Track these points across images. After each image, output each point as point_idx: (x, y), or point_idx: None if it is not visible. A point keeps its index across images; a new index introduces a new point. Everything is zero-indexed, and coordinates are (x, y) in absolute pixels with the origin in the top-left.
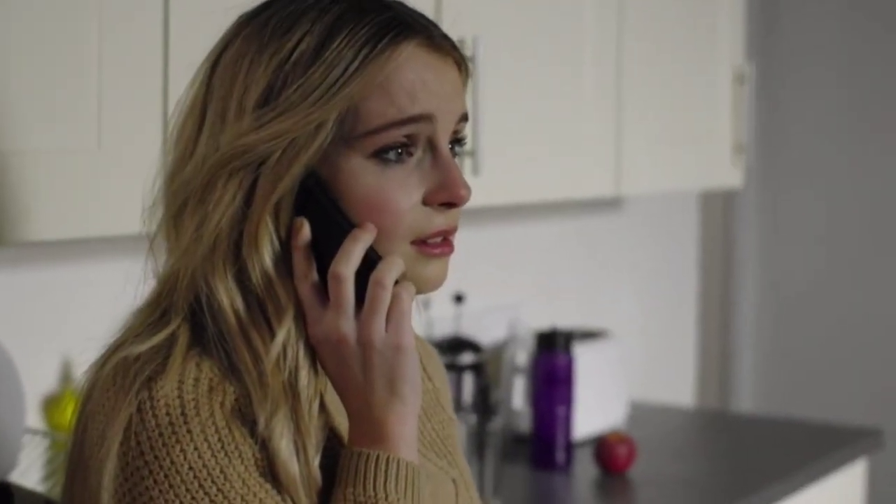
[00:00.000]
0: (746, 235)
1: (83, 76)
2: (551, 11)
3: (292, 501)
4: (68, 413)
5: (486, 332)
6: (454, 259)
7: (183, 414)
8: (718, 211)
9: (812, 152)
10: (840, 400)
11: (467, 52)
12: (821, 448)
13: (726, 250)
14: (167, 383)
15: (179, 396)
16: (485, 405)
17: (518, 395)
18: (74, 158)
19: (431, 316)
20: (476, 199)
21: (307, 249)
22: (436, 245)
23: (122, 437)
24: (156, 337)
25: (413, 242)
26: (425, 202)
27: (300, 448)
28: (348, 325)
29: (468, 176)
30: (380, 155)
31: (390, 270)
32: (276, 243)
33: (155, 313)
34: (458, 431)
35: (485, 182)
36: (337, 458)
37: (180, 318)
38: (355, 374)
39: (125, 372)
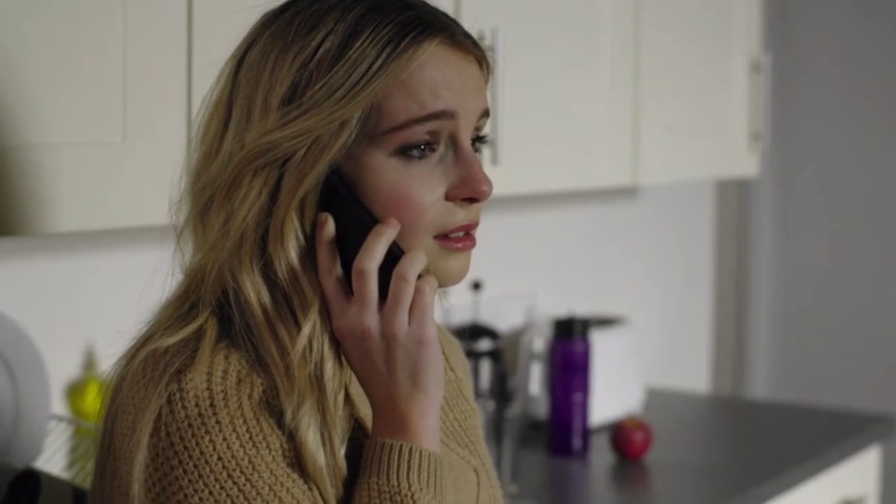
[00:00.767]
0: (761, 224)
1: (108, 70)
2: (569, 3)
3: (319, 491)
4: (91, 400)
5: (504, 320)
6: None
7: (212, 405)
8: (733, 199)
9: (827, 142)
10: (854, 387)
11: (486, 44)
12: (835, 435)
13: (741, 238)
14: (196, 375)
15: (208, 388)
16: (502, 392)
17: (535, 382)
18: (99, 151)
19: (449, 303)
20: (495, 189)
21: (331, 244)
22: (458, 239)
23: (152, 427)
24: (184, 330)
25: (436, 237)
26: (447, 197)
27: (326, 439)
28: (372, 319)
29: (487, 165)
30: (403, 151)
31: (413, 265)
32: (301, 238)
33: (183, 307)
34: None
35: (503, 172)
36: (362, 449)
37: (208, 311)
38: (379, 367)
39: (155, 364)
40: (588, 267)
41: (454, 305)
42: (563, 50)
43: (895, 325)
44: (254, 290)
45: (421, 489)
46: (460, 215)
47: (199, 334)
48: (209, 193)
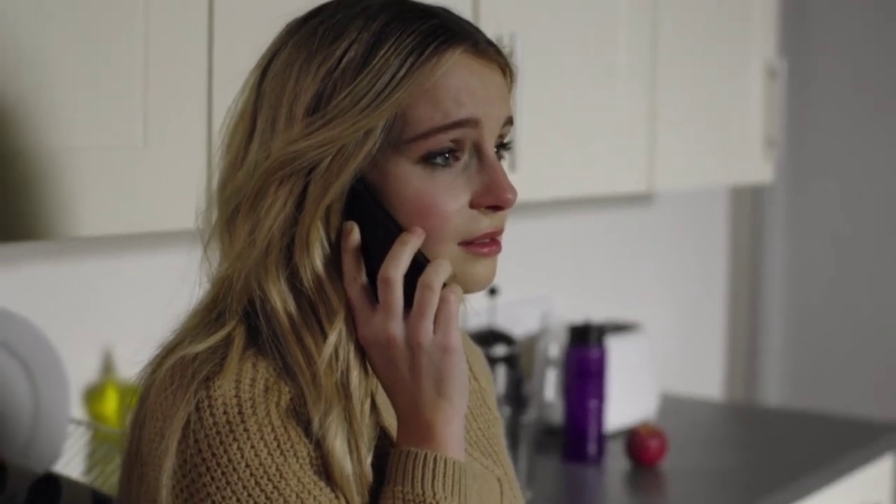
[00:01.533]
0: (775, 230)
1: (129, 75)
2: (586, 8)
3: (345, 499)
4: (109, 404)
5: (520, 325)
6: None
7: (240, 413)
8: (748, 205)
9: (842, 148)
10: (868, 394)
11: (504, 49)
12: (849, 442)
13: (755, 244)
14: (224, 383)
15: (237, 396)
16: (518, 397)
17: (550, 388)
18: (120, 155)
19: (465, 308)
20: None
21: (356, 252)
22: (483, 244)
23: (180, 434)
24: (212, 338)
25: (460, 244)
26: (472, 205)
27: (353, 447)
28: (397, 327)
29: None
30: (427, 160)
31: (438, 273)
32: (327, 247)
33: (210, 315)
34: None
35: (521, 177)
36: (387, 457)
37: (235, 320)
38: (404, 375)
39: (183, 371)
40: (604, 272)
41: (470, 310)
42: (580, 56)
43: None
44: (280, 298)
45: (445, 498)
46: (485, 223)
47: (227, 342)
48: (235, 203)
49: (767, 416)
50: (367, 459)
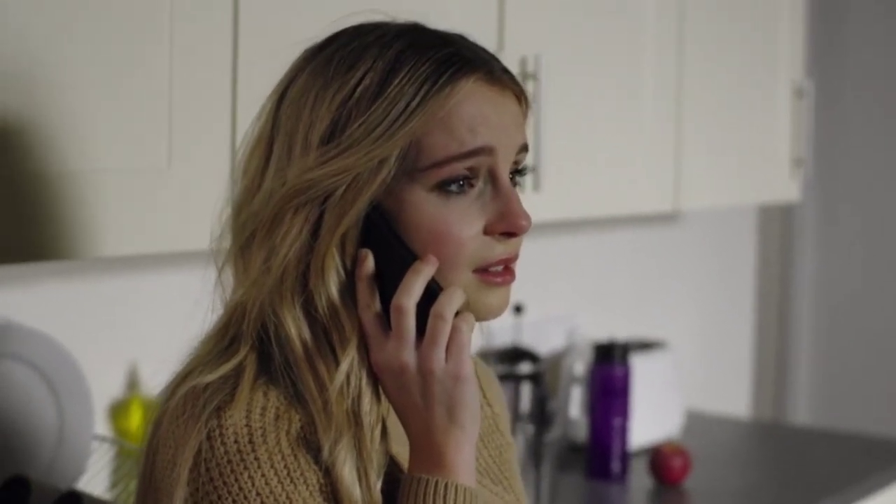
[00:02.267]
0: (804, 248)
1: (154, 96)
2: (611, 29)
3: None
4: (134, 419)
5: (545, 342)
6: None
7: (251, 442)
8: (776, 224)
9: (870, 167)
10: None
11: (529, 70)
12: (877, 462)
13: (784, 262)
14: (236, 412)
15: (247, 425)
16: (542, 415)
17: (575, 405)
18: (145, 177)
19: (490, 326)
20: (537, 215)
21: (371, 280)
22: (497, 273)
23: (192, 463)
24: (224, 367)
25: (475, 271)
26: (486, 232)
27: (362, 474)
28: (409, 355)
29: (529, 191)
30: (442, 187)
31: (450, 303)
32: (342, 274)
33: (222, 342)
34: (517, 446)
35: (546, 197)
36: (396, 484)
37: (248, 347)
38: (416, 402)
39: (195, 401)
40: (630, 290)
41: (496, 328)
42: (605, 75)
43: None
44: (295, 325)
45: None
46: (499, 249)
47: (238, 371)
48: (250, 229)
49: (793, 434)
50: (377, 486)
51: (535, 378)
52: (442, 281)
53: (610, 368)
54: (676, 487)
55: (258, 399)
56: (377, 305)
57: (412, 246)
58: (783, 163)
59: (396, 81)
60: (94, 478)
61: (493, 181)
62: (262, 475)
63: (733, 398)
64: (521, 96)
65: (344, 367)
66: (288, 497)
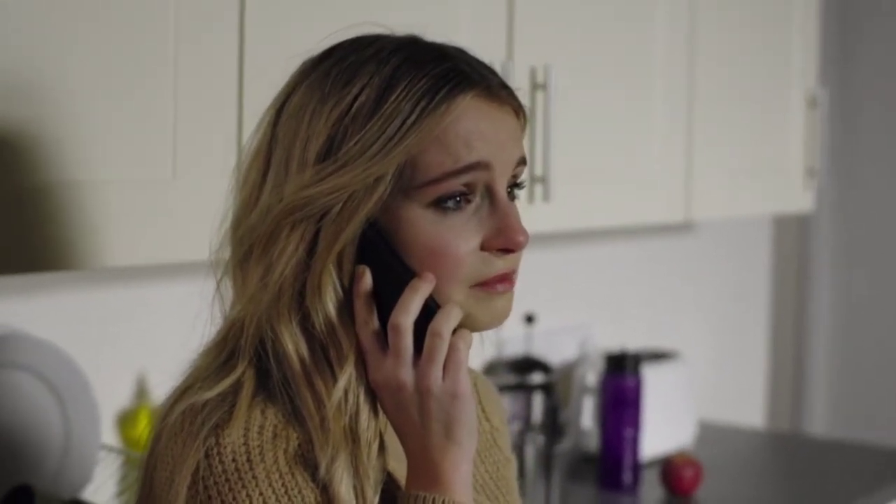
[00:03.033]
0: (820, 258)
1: (159, 108)
2: (622, 38)
3: None
4: (142, 429)
5: (557, 352)
6: (526, 279)
7: (248, 460)
8: (792, 234)
9: (885, 175)
10: None
11: (539, 80)
12: (894, 473)
13: (799, 272)
14: (233, 431)
15: (245, 444)
16: (553, 426)
17: (587, 415)
18: (150, 187)
19: (502, 336)
20: (546, 225)
21: (368, 297)
22: (496, 281)
23: (189, 481)
24: (222, 383)
25: (473, 286)
26: (483, 248)
27: (359, 492)
28: (407, 373)
29: (539, 202)
30: (438, 204)
31: (448, 321)
32: (340, 291)
33: (221, 356)
34: (528, 456)
35: (555, 208)
36: (393, 501)
37: (246, 362)
38: (413, 419)
39: (193, 418)
40: (643, 301)
41: (507, 338)
42: (616, 84)
43: None
44: (292, 341)
45: None
46: (497, 265)
47: (236, 388)
48: (248, 243)
49: (808, 445)
50: (373, 503)
51: (546, 388)
52: (440, 297)
53: (622, 379)
54: (688, 498)
55: (256, 417)
56: (375, 322)
57: (409, 263)
58: (797, 173)
59: (393, 98)
60: (101, 487)
61: (490, 197)
62: (260, 493)
63: (748, 409)
64: (519, 111)
65: (341, 383)
66: None
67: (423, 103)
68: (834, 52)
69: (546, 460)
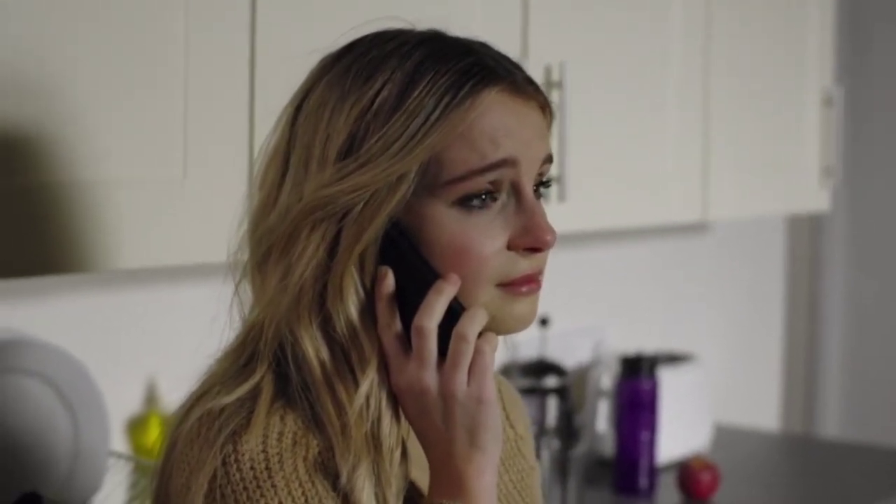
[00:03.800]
0: (834, 259)
1: (170, 107)
2: (638, 36)
3: None
4: (152, 435)
5: (571, 355)
6: None
7: (267, 468)
8: (805, 234)
9: None
10: None
11: (554, 78)
12: None
13: (813, 273)
14: (252, 438)
15: (264, 451)
16: (568, 430)
17: (602, 419)
18: (160, 187)
19: (515, 339)
20: (562, 226)
21: (391, 299)
22: (522, 282)
23: (206, 489)
24: (240, 388)
25: (498, 285)
26: (510, 247)
27: (381, 500)
28: (431, 377)
29: (553, 202)
30: (464, 202)
31: (473, 324)
32: (362, 293)
33: (239, 361)
34: (543, 461)
35: (570, 208)
36: None
37: (265, 367)
38: (437, 425)
39: (210, 424)
40: (657, 302)
41: (521, 341)
42: (631, 83)
43: None
44: (312, 345)
45: None
46: (523, 265)
47: (254, 393)
48: (267, 245)
49: (823, 448)
50: None
51: (561, 392)
52: (465, 298)
53: (637, 382)
54: (705, 502)
55: (275, 423)
56: (397, 325)
57: (433, 263)
58: (812, 172)
59: (416, 94)
60: (111, 495)
61: (517, 194)
62: (279, 502)
63: (762, 411)
64: (545, 106)
65: (363, 389)
66: None
67: (446, 99)
68: (845, 53)
69: (561, 465)
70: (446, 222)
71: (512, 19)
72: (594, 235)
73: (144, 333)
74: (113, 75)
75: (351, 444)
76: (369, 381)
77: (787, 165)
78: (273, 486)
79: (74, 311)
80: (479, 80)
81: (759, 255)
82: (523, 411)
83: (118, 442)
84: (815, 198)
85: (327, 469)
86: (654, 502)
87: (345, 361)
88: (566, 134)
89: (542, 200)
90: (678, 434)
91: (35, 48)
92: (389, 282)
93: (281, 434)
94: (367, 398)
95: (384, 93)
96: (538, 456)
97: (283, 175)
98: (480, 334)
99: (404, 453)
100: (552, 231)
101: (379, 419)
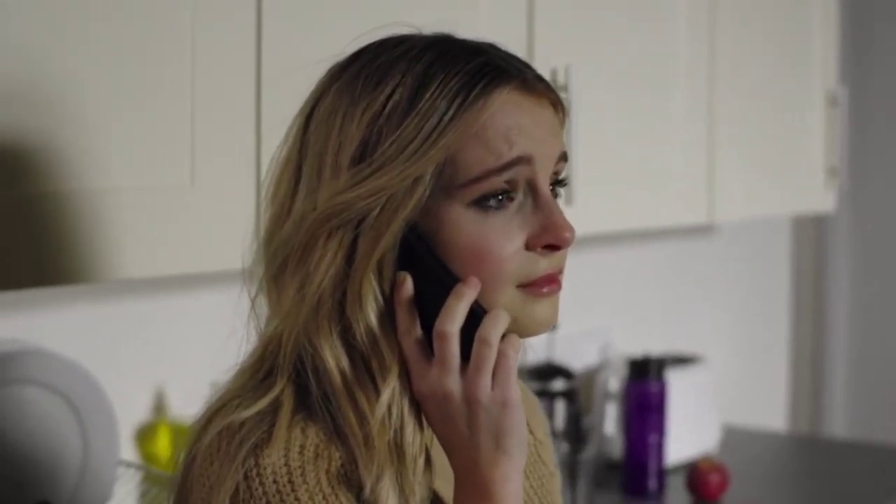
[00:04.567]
0: (839, 259)
1: (177, 115)
2: (642, 38)
3: None
4: (161, 444)
5: (579, 358)
6: None
7: (290, 482)
8: (811, 234)
9: None
10: None
11: (560, 81)
12: None
13: (819, 274)
14: (273, 451)
15: (286, 464)
16: (576, 433)
17: (610, 421)
18: (168, 195)
19: (526, 342)
20: None
21: (410, 304)
22: (543, 283)
23: (228, 503)
24: (260, 402)
25: (519, 286)
26: (528, 246)
27: None
28: (454, 382)
29: (561, 205)
30: (480, 203)
31: (495, 327)
32: (381, 299)
33: (258, 374)
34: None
35: (578, 211)
36: None
37: (284, 379)
38: (461, 431)
39: (230, 438)
40: (664, 304)
41: (528, 344)
42: (637, 86)
43: None
44: (332, 355)
45: None
46: (542, 264)
47: (275, 406)
48: (282, 256)
49: (832, 448)
50: None
51: (569, 395)
52: (485, 300)
53: (645, 385)
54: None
55: (296, 436)
56: (418, 331)
57: (452, 266)
58: (818, 172)
59: (427, 96)
60: None
61: (533, 193)
62: None
63: (770, 412)
64: (557, 104)
65: (385, 398)
66: None
67: (459, 99)
68: (849, 53)
69: (570, 468)
70: (463, 224)
71: (517, 23)
72: (601, 238)
73: (152, 342)
74: (120, 83)
75: (374, 454)
76: (391, 388)
77: (792, 166)
78: (296, 499)
79: (82, 321)
80: (490, 79)
81: (765, 256)
82: (542, 416)
83: (127, 450)
84: (821, 198)
85: (350, 481)
86: None
87: (365, 370)
88: (572, 137)
89: (558, 199)
90: (686, 436)
91: (40, 57)
92: (408, 287)
93: (303, 447)
94: (389, 406)
95: (395, 96)
96: None
97: (296, 185)
98: (503, 337)
99: (428, 462)
100: (571, 228)
101: (402, 427)
